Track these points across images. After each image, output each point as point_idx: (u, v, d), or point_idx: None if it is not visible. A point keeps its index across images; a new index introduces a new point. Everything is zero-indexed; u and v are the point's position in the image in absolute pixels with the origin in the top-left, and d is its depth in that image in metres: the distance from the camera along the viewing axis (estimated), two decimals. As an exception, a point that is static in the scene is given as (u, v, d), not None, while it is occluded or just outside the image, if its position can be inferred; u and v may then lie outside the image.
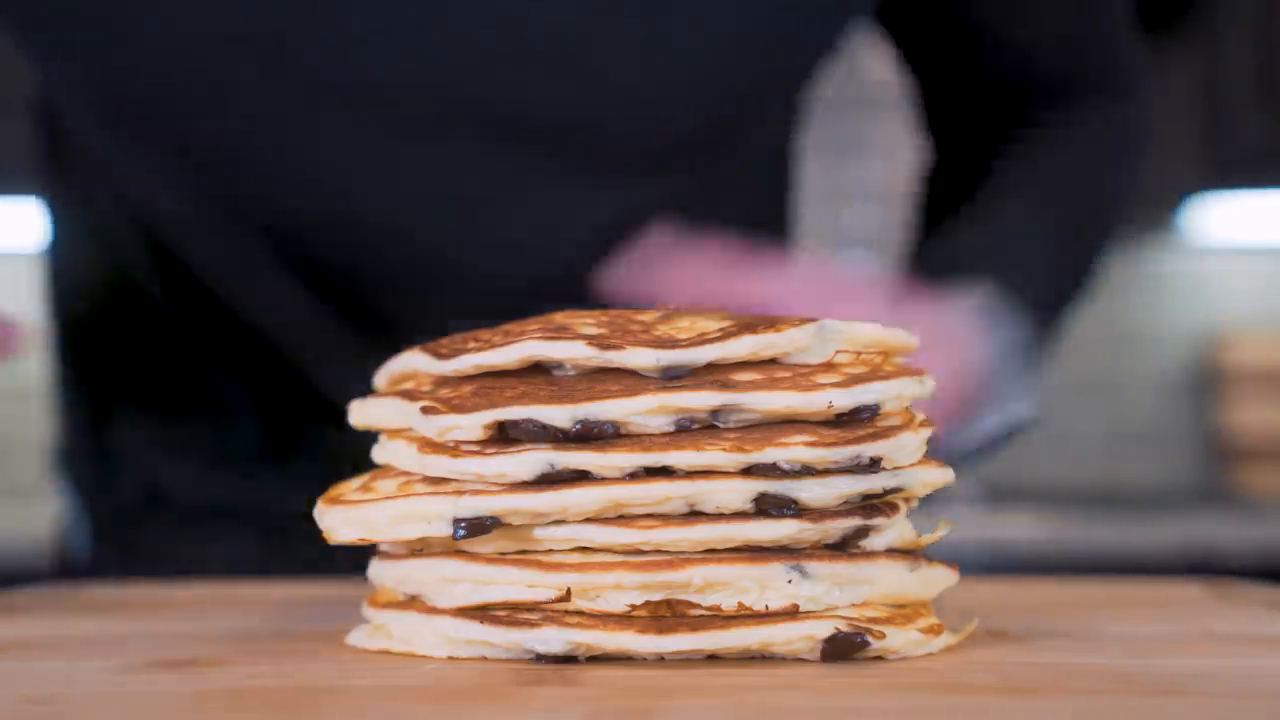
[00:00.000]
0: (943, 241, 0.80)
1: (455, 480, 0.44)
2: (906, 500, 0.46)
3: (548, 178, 0.70)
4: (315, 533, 0.47)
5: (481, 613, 0.43)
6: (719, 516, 0.43)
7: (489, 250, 0.71)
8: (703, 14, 0.68)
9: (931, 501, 0.48)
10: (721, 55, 0.69)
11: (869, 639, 0.42)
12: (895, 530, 0.45)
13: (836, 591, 0.44)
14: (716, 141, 0.73)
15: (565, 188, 0.71)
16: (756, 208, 0.82)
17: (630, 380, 0.44)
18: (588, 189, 0.71)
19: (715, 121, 0.71)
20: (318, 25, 0.66)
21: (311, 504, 0.47)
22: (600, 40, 0.67)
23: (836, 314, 0.47)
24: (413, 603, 0.45)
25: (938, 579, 0.46)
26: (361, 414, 0.49)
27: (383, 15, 0.66)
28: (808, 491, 0.43)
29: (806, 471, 0.43)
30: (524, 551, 0.44)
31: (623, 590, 0.43)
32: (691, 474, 0.43)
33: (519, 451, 0.43)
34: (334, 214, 0.70)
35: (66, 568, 0.84)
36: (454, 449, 0.44)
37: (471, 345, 0.46)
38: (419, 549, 0.45)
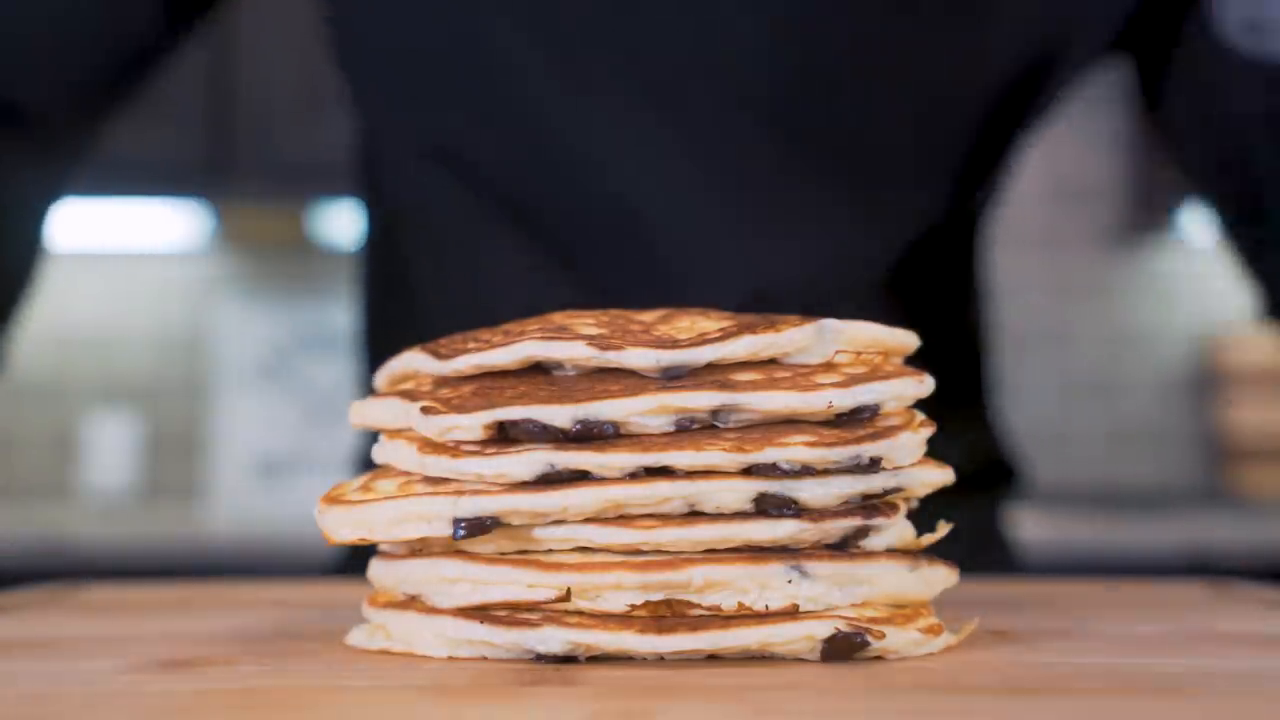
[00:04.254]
0: None
1: (455, 480, 0.44)
2: (906, 500, 0.46)
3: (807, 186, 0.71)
4: None
5: (481, 613, 0.43)
6: (719, 516, 0.43)
7: (715, 251, 0.71)
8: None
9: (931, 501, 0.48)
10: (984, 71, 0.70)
11: (869, 639, 0.43)
12: (895, 530, 0.45)
13: (836, 591, 0.44)
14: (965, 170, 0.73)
15: (820, 202, 0.71)
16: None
17: (630, 380, 0.44)
18: (843, 203, 0.71)
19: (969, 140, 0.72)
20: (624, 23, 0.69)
21: None
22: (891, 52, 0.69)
23: None
24: (413, 603, 0.45)
25: (938, 579, 0.46)
26: (361, 414, 0.49)
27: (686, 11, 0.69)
28: (808, 491, 0.43)
29: (806, 471, 0.43)
30: (524, 551, 0.44)
31: (623, 590, 0.43)
32: (691, 474, 0.43)
33: (519, 451, 0.43)
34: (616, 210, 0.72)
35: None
36: (454, 449, 0.44)
37: (471, 345, 0.46)
38: (419, 549, 0.45)
